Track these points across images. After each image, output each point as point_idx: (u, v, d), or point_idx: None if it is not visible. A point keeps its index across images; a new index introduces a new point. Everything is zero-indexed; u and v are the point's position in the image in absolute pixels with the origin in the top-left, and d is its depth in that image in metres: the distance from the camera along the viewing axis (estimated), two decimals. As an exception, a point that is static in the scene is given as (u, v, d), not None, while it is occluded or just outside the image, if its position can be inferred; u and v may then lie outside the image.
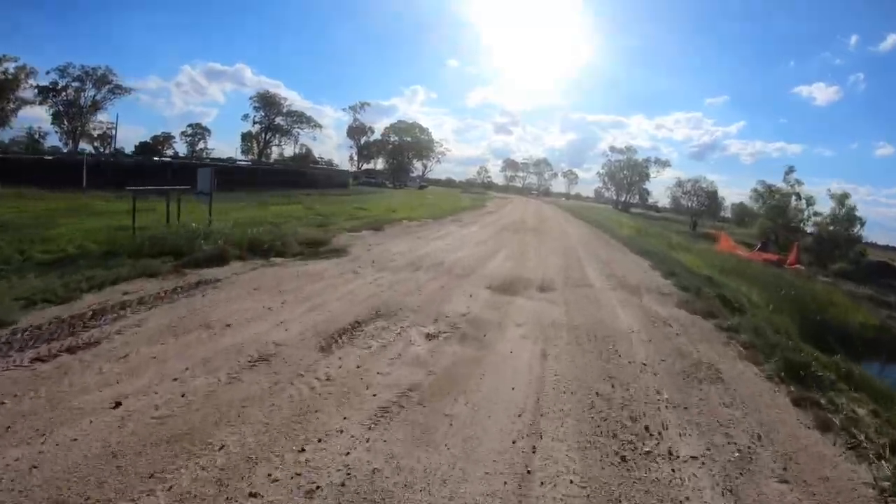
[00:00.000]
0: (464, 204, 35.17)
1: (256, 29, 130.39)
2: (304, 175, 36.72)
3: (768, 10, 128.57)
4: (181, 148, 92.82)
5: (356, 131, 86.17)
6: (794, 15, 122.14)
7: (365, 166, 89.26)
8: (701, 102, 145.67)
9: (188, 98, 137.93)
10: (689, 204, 50.91)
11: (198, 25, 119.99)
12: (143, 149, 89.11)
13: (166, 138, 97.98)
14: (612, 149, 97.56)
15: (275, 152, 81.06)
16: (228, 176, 32.00)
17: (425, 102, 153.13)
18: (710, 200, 50.24)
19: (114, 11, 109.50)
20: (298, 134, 77.27)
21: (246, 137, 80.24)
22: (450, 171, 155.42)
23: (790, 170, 39.19)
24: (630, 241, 18.31)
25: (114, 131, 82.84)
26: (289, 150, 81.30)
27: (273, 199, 24.59)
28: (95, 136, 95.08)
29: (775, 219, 37.00)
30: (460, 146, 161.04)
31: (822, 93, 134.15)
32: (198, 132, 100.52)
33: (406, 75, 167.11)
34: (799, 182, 38.21)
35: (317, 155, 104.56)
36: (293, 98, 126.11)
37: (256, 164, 40.36)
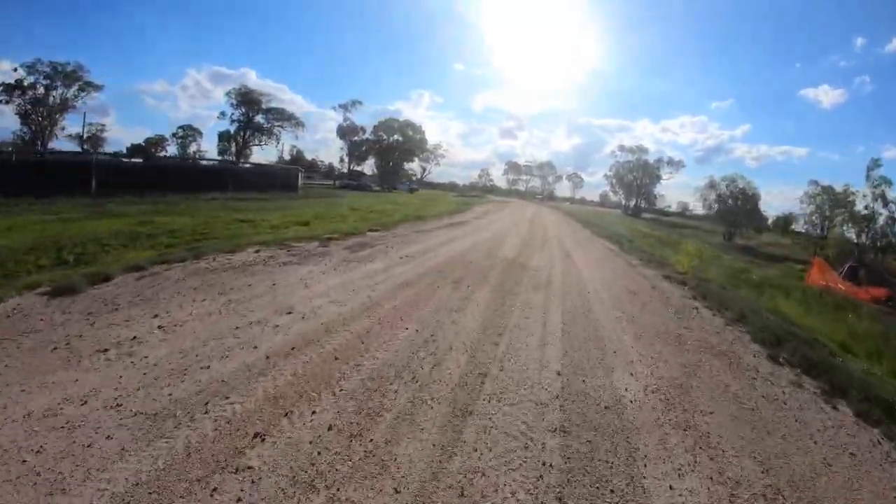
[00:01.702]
0: (437, 209, 25.34)
1: (262, 33, 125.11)
2: (237, 175, 27.02)
3: (774, 12, 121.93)
4: (174, 150, 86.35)
5: (347, 131, 76.71)
6: (800, 17, 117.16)
7: (356, 168, 79.96)
8: (707, 106, 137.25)
9: (194, 101, 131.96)
10: (723, 208, 39.84)
11: (203, 29, 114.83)
12: (136, 151, 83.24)
13: (160, 140, 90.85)
14: (622, 148, 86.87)
15: (269, 154, 71.95)
16: (119, 177, 22.59)
17: (431, 106, 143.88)
18: (750, 205, 39.42)
19: (117, 14, 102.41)
20: (280, 133, 67.84)
21: (224, 137, 71.15)
22: (455, 174, 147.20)
23: (875, 164, 27.91)
24: (718, 295, 8.10)
25: (105, 132, 76.09)
26: (269, 150, 72.45)
27: (122, 207, 15.10)
28: (85, 137, 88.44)
29: (860, 232, 26.26)
30: (466, 150, 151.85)
31: (827, 95, 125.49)
32: (189, 134, 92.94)
33: (412, 79, 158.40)
34: (886, 181, 27.10)
35: (311, 158, 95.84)
36: (298, 102, 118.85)
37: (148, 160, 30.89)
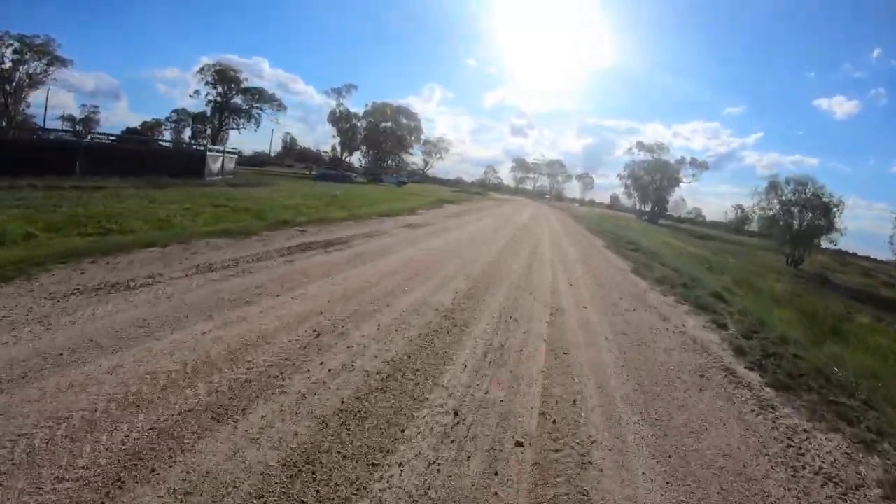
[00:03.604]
0: (385, 207, 15.49)
1: (274, 23, 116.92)
2: (92, 153, 17.60)
3: (790, 20, 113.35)
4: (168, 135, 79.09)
5: (340, 118, 66.78)
6: (816, 26, 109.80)
7: (348, 158, 70.27)
8: (720, 111, 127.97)
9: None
10: (793, 219, 28.34)
11: (216, 18, 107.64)
12: (130, 133, 75.84)
13: (156, 124, 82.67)
14: (640, 145, 75.31)
15: (247, 137, 62.64)
16: None
17: (442, 101, 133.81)
18: (827, 220, 27.92)
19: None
20: (260, 115, 58.29)
21: (198, 119, 61.75)
22: (464, 171, 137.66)
23: None
24: None
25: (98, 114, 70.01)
26: (248, 135, 63.23)
27: None
28: (78, 119, 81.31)
29: None
30: (476, 147, 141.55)
31: (841, 106, 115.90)
32: (183, 118, 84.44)
33: (423, 73, 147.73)
34: None
35: (317, 148, 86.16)
36: (310, 92, 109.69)
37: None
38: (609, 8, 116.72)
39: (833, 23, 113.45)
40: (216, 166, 23.37)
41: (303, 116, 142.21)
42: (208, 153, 22.16)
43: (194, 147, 23.89)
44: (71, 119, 78.75)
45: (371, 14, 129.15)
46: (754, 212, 33.32)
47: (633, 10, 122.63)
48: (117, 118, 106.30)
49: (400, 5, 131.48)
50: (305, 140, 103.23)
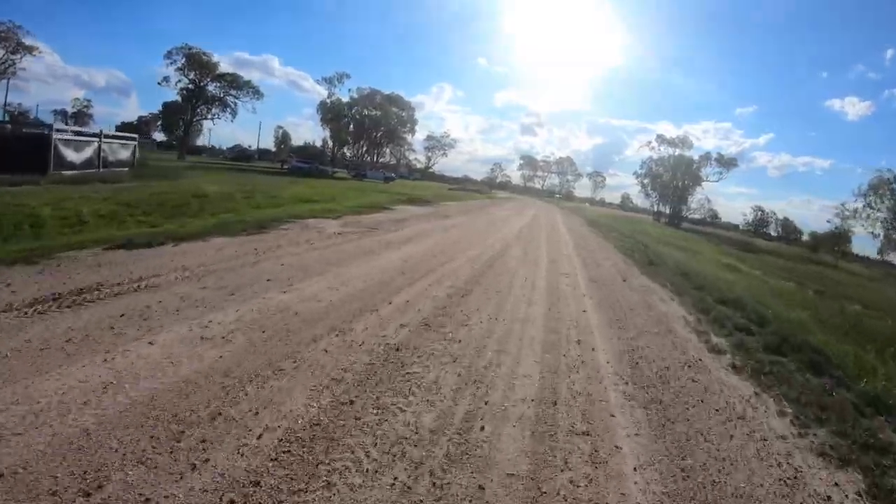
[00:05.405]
0: (253, 216, 7.94)
1: (285, 21, 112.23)
2: None
3: (802, 21, 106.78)
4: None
5: (331, 109, 59.03)
6: (829, 26, 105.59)
7: (341, 150, 62.58)
8: (731, 112, 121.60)
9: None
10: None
11: (229, 14, 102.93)
12: (125, 129, 70.81)
13: (153, 118, 76.66)
14: (660, 139, 66.05)
15: (221, 128, 55.59)
16: None
17: (452, 100, 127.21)
18: None
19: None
20: (236, 104, 50.89)
21: (171, 110, 54.64)
22: (474, 169, 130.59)
23: None
24: None
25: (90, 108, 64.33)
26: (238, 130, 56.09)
27: None
28: (70, 113, 76.27)
29: None
30: (486, 146, 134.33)
31: (854, 107, 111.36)
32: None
33: (434, 72, 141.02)
34: None
35: (320, 143, 79.21)
36: (319, 90, 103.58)
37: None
38: (620, 7, 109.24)
39: (846, 23, 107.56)
40: (81, 156, 15.79)
41: (313, 114, 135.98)
42: (56, 137, 14.58)
43: (34, 130, 16.19)
44: (63, 113, 73.14)
45: (382, 12, 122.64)
46: (850, 219, 24.10)
47: (645, 9, 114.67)
48: (128, 114, 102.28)
49: (411, 5, 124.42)
50: (316, 137, 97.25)
